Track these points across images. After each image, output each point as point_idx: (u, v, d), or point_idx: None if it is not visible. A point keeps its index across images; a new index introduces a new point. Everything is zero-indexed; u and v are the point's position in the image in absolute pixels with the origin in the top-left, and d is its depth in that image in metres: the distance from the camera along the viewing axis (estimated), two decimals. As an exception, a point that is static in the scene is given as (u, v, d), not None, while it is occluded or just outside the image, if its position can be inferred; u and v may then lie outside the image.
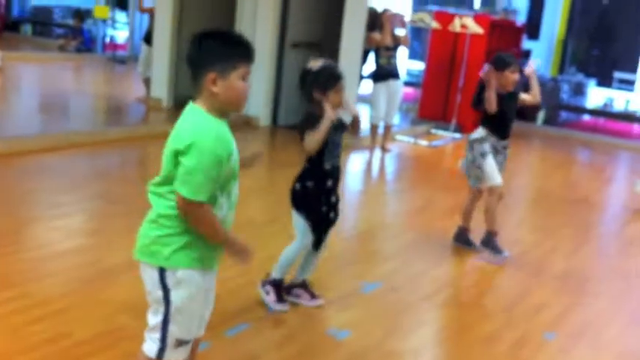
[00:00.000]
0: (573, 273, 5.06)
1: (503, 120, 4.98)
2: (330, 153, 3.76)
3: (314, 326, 3.83)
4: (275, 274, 3.93)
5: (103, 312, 3.69)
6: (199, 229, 2.46)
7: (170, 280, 2.50)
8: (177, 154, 2.40)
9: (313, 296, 4.03)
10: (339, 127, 3.80)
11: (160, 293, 2.52)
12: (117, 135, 7.63)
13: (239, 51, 2.45)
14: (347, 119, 3.91)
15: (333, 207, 3.91)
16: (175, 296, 2.51)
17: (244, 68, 2.45)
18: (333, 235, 5.32)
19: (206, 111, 2.45)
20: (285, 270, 3.94)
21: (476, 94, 4.96)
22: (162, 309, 2.53)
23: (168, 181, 2.47)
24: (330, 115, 3.64)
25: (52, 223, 5.02)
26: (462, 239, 5.25)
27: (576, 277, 4.99)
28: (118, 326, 3.54)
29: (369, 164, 8.24)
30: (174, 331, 2.55)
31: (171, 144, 2.44)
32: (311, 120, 3.68)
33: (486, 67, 4.87)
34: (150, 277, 2.55)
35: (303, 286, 4.04)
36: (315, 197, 3.82)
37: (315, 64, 3.73)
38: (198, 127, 2.41)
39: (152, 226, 2.53)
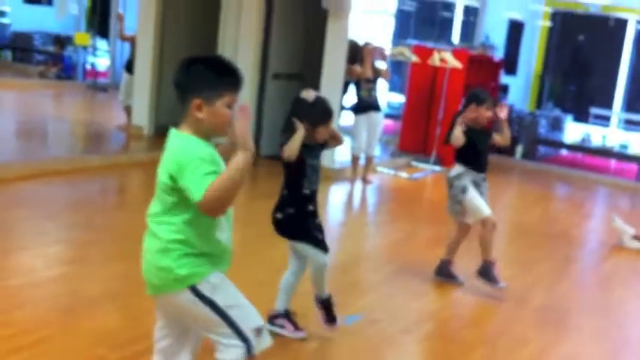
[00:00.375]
0: (553, 306, 5.09)
1: (476, 154, 5.05)
2: (308, 178, 3.80)
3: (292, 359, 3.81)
4: (320, 294, 3.96)
5: (81, 343, 3.65)
6: (230, 194, 2.34)
7: (206, 291, 2.50)
8: (173, 179, 2.40)
9: (297, 328, 4.02)
10: (316, 148, 3.83)
11: (205, 309, 2.50)
12: (97, 163, 7.60)
13: (226, 78, 2.47)
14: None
15: (321, 229, 3.91)
16: (220, 299, 2.51)
17: (230, 96, 2.47)
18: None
19: (191, 134, 2.47)
20: (319, 288, 3.95)
21: (448, 131, 5.05)
22: (216, 318, 2.51)
23: (167, 211, 2.47)
24: (302, 129, 3.68)
25: (33, 251, 4.97)
26: (445, 273, 5.26)
27: (557, 310, 5.02)
28: (95, 358, 3.50)
29: (350, 196, 8.27)
30: (243, 325, 2.54)
31: (164, 171, 2.44)
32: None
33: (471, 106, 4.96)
34: (184, 303, 2.52)
35: (287, 316, 4.02)
36: (301, 221, 3.84)
37: (309, 95, 3.76)
38: (184, 146, 2.43)
39: (163, 256, 2.49)
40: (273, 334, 3.90)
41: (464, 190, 5.01)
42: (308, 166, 3.79)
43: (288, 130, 3.73)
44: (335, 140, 3.92)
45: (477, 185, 5.05)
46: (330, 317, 4.00)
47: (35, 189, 6.57)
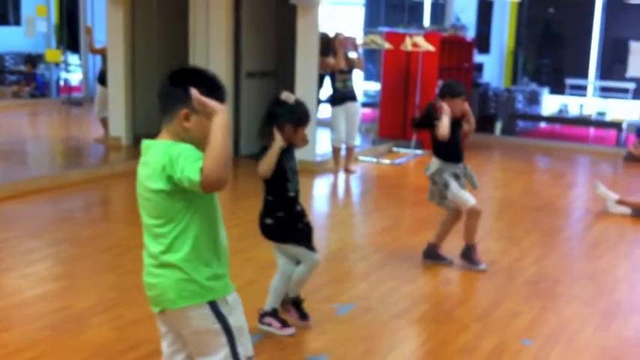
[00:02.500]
0: (543, 278, 5.12)
1: (452, 146, 5.10)
2: (291, 181, 3.85)
3: (292, 354, 3.82)
4: (291, 294, 4.02)
5: (77, 357, 3.64)
6: (224, 161, 2.29)
7: (224, 309, 2.48)
8: (169, 178, 2.35)
9: (284, 325, 4.00)
10: (291, 150, 3.86)
11: (217, 326, 2.47)
12: (78, 177, 7.56)
13: (214, 91, 2.43)
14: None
15: (310, 228, 3.99)
16: (233, 320, 2.50)
17: None
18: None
19: (171, 140, 2.44)
20: (300, 286, 4.02)
21: (419, 117, 5.08)
22: (223, 339, 2.48)
23: (167, 220, 2.43)
24: (279, 142, 3.73)
25: (21, 270, 4.94)
26: (433, 255, 5.30)
27: (546, 281, 5.05)
28: (93, 370, 3.50)
29: (334, 187, 8.27)
30: (242, 353, 2.52)
31: (156, 180, 2.39)
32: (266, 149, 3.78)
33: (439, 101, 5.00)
34: (197, 318, 2.47)
35: (274, 314, 4.02)
36: (293, 223, 3.89)
37: (289, 98, 3.80)
38: (170, 145, 2.40)
39: (177, 271, 2.44)
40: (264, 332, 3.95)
41: (446, 186, 5.08)
42: (288, 169, 3.83)
43: (265, 135, 3.77)
44: (303, 142, 3.93)
45: (457, 177, 5.10)
46: (302, 314, 4.07)
47: (18, 209, 6.54)
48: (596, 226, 6.76)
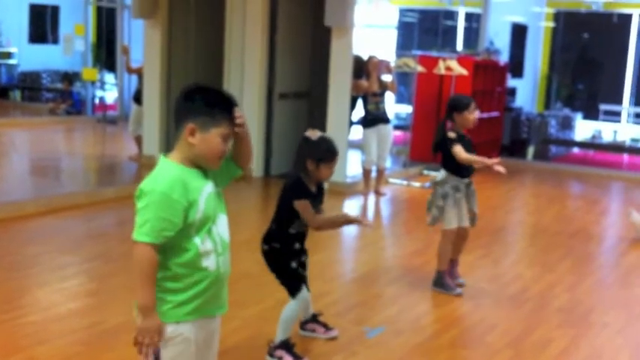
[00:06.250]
0: (576, 305, 5.06)
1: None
2: (299, 221, 3.81)
3: (322, 374, 3.82)
4: (280, 336, 3.88)
5: (108, 373, 3.67)
6: (134, 269, 2.42)
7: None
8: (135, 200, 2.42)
9: (297, 357, 3.91)
10: (318, 195, 3.85)
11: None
12: (112, 194, 7.65)
13: (225, 109, 2.45)
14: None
15: (303, 265, 3.96)
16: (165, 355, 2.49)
17: (226, 128, 2.44)
18: (334, 280, 5.36)
19: (177, 161, 2.45)
20: (289, 329, 3.90)
21: (438, 141, 5.04)
22: None
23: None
24: (346, 217, 3.91)
25: (54, 285, 5.01)
26: (441, 283, 5.24)
27: (579, 309, 4.99)
28: (124, 386, 3.52)
29: (364, 209, 8.27)
30: None
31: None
32: (300, 187, 3.76)
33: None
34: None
35: (315, 320, 4.08)
36: (285, 257, 3.86)
37: (314, 134, 3.79)
38: (156, 174, 2.42)
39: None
40: None
41: (445, 197, 5.05)
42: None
43: (296, 194, 3.76)
44: (328, 178, 3.89)
45: (457, 190, 5.05)
46: (296, 356, 3.89)
47: (52, 224, 6.63)
48: (629, 254, 6.68)
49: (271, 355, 3.88)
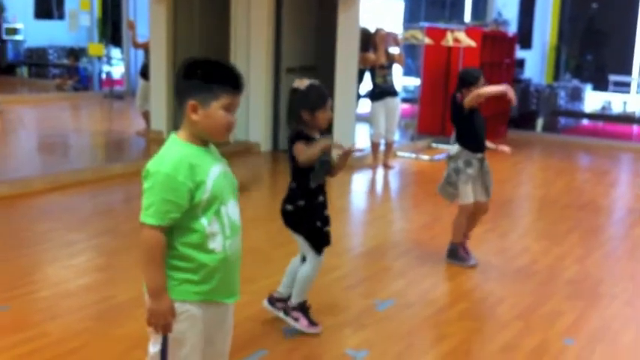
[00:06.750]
0: (585, 278, 5.05)
1: (474, 134, 5.06)
2: (316, 173, 3.76)
3: (332, 348, 3.82)
4: (297, 298, 3.90)
5: (118, 348, 3.68)
6: (141, 251, 2.42)
7: None
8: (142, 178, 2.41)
9: (312, 322, 3.94)
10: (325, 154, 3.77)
11: None
12: (120, 170, 7.65)
13: (223, 81, 2.39)
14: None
15: (327, 221, 3.91)
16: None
17: (227, 99, 2.39)
18: (343, 254, 5.36)
19: (184, 139, 2.42)
20: (306, 290, 3.92)
21: (457, 112, 5.03)
22: (160, 339, 2.47)
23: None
24: (324, 142, 3.67)
25: (64, 261, 5.03)
26: (455, 255, 5.27)
27: (588, 281, 4.99)
28: (135, 360, 3.54)
29: (372, 182, 8.26)
30: None
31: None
32: (301, 135, 3.70)
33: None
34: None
35: (302, 309, 3.97)
36: (309, 214, 3.83)
37: (302, 83, 3.74)
38: (163, 154, 2.40)
39: None
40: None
41: (457, 172, 5.04)
42: (317, 161, 3.72)
43: (292, 122, 3.74)
44: (326, 124, 3.81)
45: (469, 165, 5.03)
46: (311, 321, 3.93)
47: (60, 201, 6.64)
48: (638, 226, 6.65)
49: (286, 313, 3.93)
